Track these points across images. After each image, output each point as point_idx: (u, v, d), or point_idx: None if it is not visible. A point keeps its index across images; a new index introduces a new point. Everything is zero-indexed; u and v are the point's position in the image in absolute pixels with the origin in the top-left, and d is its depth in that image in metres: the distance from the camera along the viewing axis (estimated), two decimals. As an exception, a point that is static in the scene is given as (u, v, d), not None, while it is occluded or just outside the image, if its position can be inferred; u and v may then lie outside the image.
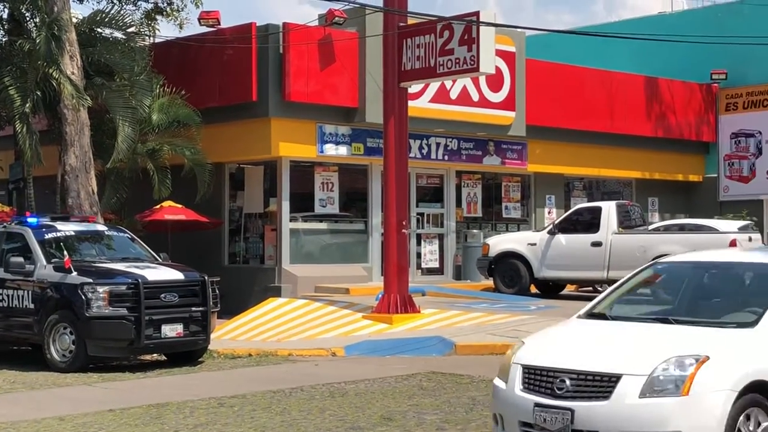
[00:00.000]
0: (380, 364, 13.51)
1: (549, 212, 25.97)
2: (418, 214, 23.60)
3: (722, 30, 25.89)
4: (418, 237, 23.58)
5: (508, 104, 23.54)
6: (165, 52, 22.02)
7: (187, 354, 14.11)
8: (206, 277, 14.24)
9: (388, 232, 17.49)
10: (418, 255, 23.58)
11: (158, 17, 23.26)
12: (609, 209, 20.85)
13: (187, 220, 20.52)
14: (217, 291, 14.63)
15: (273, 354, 14.77)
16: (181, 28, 23.38)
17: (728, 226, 20.87)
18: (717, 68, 28.10)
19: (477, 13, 16.94)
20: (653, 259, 19.53)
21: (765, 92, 28.09)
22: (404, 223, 17.46)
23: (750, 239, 19.88)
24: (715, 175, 28.97)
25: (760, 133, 28.11)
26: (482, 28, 16.64)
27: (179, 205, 20.47)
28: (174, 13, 23.08)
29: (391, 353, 14.61)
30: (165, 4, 23.10)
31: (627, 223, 21.09)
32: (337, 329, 16.87)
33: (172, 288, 13.89)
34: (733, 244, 19.13)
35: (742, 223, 21.68)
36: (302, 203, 21.90)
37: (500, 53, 21.53)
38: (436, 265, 23.99)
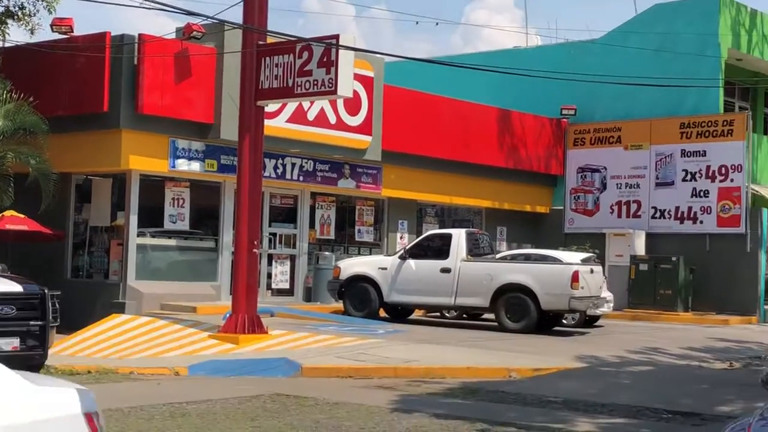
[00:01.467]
0: (224, 385, 13.38)
1: (401, 237, 26.29)
2: (270, 234, 23.56)
3: (573, 67, 26.78)
4: (270, 257, 23.52)
5: (364, 128, 23.79)
6: (14, 57, 21.32)
7: (22, 370, 13.63)
8: (46, 291, 13.80)
9: (238, 251, 17.36)
10: (269, 275, 23.51)
11: (9, 21, 22.52)
12: (459, 236, 21.28)
13: (30, 230, 19.89)
14: (57, 305, 14.20)
15: (113, 371, 14.44)
16: (32, 33, 22.63)
17: (572, 257, 21.59)
18: (567, 104, 29.05)
19: (337, 36, 17.07)
20: (498, 289, 20.32)
21: (611, 129, 29.19)
22: (255, 242, 17.39)
23: (591, 271, 20.63)
24: (561, 208, 29.93)
25: (606, 168, 29.18)
26: (341, 52, 16.76)
27: (21, 215, 19.82)
28: (25, 17, 22.37)
29: (237, 374, 14.49)
30: (16, 9, 22.38)
31: (476, 250, 21.55)
32: (181, 348, 16.65)
33: (9, 300, 13.39)
34: (575, 275, 19.85)
35: (585, 255, 22.46)
36: (151, 218, 21.56)
37: (359, 77, 21.80)
38: (287, 286, 23.95)
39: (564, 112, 29.37)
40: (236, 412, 10.86)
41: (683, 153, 27.86)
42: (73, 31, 20.04)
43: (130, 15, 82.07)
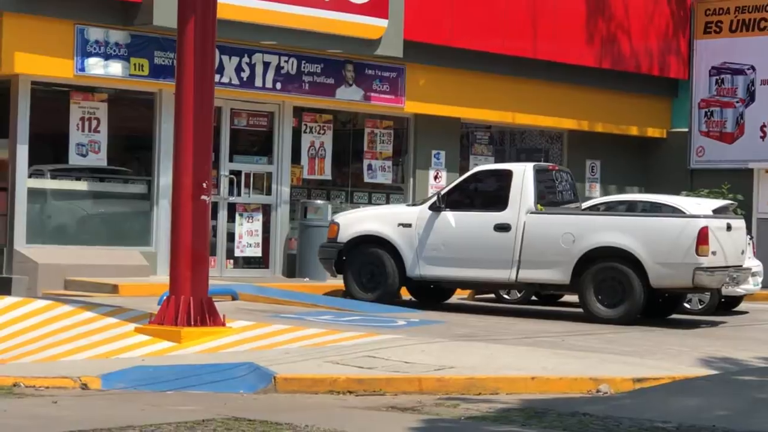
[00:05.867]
0: (156, 404, 13.44)
1: (436, 176, 26.34)
2: (231, 172, 23.68)
3: None
4: (231, 209, 23.62)
5: (377, 8, 23.84)
6: None
7: None
8: None
9: (179, 201, 17.35)
10: (230, 237, 23.64)
11: None
12: (524, 175, 21.22)
13: None
14: None
15: (-11, 383, 14.55)
16: None
17: (699, 206, 21.47)
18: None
19: None
20: (585, 255, 20.27)
21: (762, 7, 28.94)
22: (205, 185, 17.38)
23: (729, 227, 20.53)
24: (686, 130, 29.80)
25: (754, 68, 29.05)
26: None
27: None
28: None
29: (176, 387, 14.55)
30: None
31: (550, 197, 21.59)
32: (94, 347, 16.75)
33: None
34: (704, 233, 19.76)
35: (720, 203, 22.33)
36: (50, 150, 21.92)
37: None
38: (258, 253, 24.18)
39: (689, -19, 29.19)
40: (171, 448, 10.92)
41: None
42: None
43: None
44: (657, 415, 12.72)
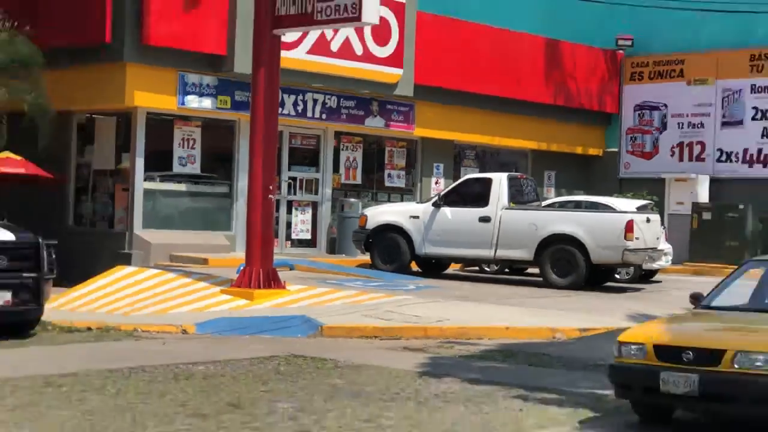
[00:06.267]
0: (235, 345, 13.44)
1: (436, 182, 26.23)
2: (289, 178, 23.60)
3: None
4: (289, 204, 23.58)
5: (395, 60, 23.65)
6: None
7: (16, 325, 13.76)
8: (41, 240, 13.89)
9: (253, 198, 17.34)
10: (288, 225, 23.59)
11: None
12: (500, 181, 21.14)
13: (28, 174, 19.98)
14: (54, 255, 14.30)
15: (116, 329, 14.53)
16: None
17: (626, 205, 21.48)
18: (623, 33, 28.73)
19: (362, -43, 16.88)
20: (544, 240, 20.22)
21: (672, 62, 28.83)
22: (272, 188, 17.37)
23: (648, 220, 20.50)
24: (616, 150, 29.70)
25: (666, 106, 28.90)
26: (368, -25, 16.58)
27: (19, 157, 19.89)
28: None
29: (249, 332, 14.55)
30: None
31: (519, 197, 21.45)
32: (191, 304, 16.73)
33: (1, 250, 13.53)
34: (630, 224, 19.72)
35: (641, 202, 22.32)
36: (159, 161, 21.66)
37: (388, 2, 21.75)
38: (308, 236, 24.03)
39: (620, 42, 29.06)
40: (246, 375, 10.89)
41: (753, 89, 27.53)
42: (71, -47, 20.05)
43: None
44: (597, 355, 12.68)
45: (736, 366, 8.11)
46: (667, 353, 8.46)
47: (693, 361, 8.26)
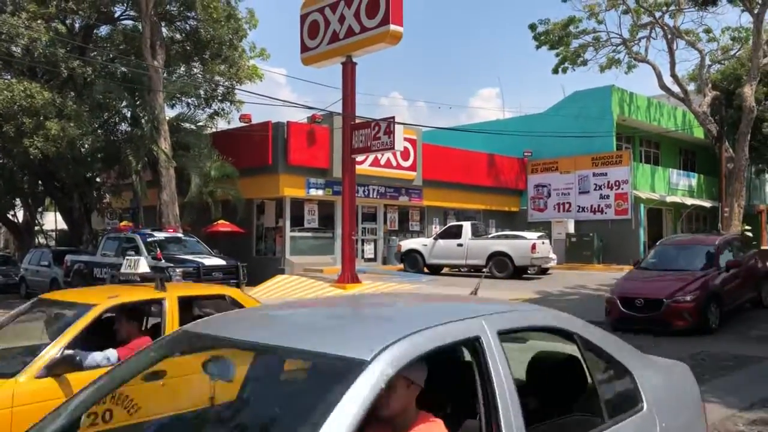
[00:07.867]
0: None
1: (435, 227, 26.09)
2: (362, 228, 23.55)
3: (530, 128, 26.62)
4: (362, 241, 23.53)
5: (412, 167, 23.72)
6: (219, 137, 21.75)
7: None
8: (239, 263, 14.07)
9: (344, 238, 17.44)
10: (362, 251, 23.54)
11: (216, 117, 23.08)
12: (467, 226, 21.01)
13: (232, 230, 20.25)
14: (244, 270, 14.44)
15: (278, 306, 14.53)
16: (228, 123, 23.25)
17: (532, 235, 21.23)
18: (527, 148, 28.56)
19: (393, 117, 17.12)
20: (490, 254, 20.02)
21: (552, 163, 28.56)
22: (353, 233, 17.45)
23: (543, 242, 20.27)
24: (525, 208, 29.39)
25: (550, 185, 28.61)
26: (396, 126, 16.78)
27: (227, 222, 20.19)
28: (225, 114, 22.94)
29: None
30: (220, 109, 22.93)
31: (477, 233, 21.30)
32: (315, 291, 16.77)
33: (219, 269, 13.70)
34: (534, 245, 19.50)
35: (539, 234, 22.04)
36: (297, 221, 21.71)
37: (407, 139, 21.90)
38: (372, 256, 23.94)
39: (525, 154, 28.86)
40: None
41: (594, 174, 27.19)
42: (251, 121, 20.43)
43: (283, 110, 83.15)
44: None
45: None
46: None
47: None
